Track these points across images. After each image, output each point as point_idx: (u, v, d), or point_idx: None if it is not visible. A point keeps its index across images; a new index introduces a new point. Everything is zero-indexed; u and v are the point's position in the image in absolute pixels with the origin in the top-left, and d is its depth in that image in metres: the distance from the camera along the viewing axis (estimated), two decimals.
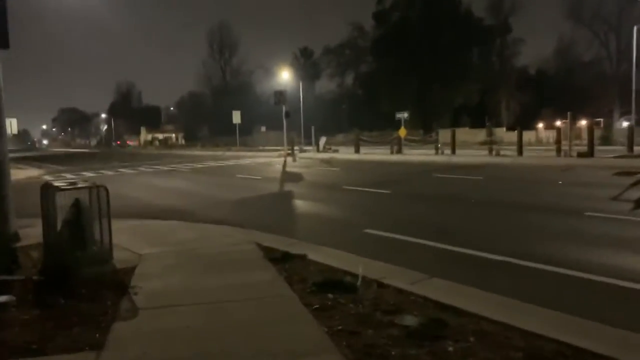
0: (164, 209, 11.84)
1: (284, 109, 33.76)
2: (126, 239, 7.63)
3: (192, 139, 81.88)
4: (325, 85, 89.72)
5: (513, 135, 34.38)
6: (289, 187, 15.59)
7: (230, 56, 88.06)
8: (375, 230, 8.17)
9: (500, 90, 60.92)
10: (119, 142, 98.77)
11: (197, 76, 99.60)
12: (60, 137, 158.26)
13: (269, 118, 72.26)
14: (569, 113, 21.52)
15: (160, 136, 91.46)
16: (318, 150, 31.68)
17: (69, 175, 23.91)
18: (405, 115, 26.25)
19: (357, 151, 28.67)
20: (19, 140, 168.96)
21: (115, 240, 6.48)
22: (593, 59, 62.12)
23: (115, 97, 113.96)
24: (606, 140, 30.95)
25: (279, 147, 40.62)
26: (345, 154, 29.32)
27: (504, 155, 22.41)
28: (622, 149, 22.49)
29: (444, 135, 41.49)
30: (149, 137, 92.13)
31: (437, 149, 25.62)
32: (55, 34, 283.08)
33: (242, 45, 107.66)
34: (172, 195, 14.78)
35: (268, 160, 29.39)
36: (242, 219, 9.82)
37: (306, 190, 14.70)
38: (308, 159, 29.51)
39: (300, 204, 12.00)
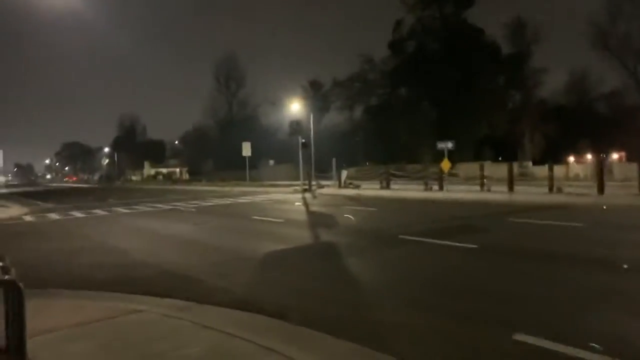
0: (159, 273, 8.20)
1: (300, 140, 30.56)
2: None
3: (196, 174, 78.74)
4: (334, 118, 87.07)
5: (543, 170, 30.85)
6: (325, 235, 11.94)
7: (237, 89, 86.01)
8: (530, 336, 4.53)
9: (524, 122, 57.78)
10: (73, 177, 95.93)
11: (203, 109, 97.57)
12: (64, 171, 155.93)
13: (276, 152, 69.21)
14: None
15: (164, 171, 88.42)
16: (340, 186, 28.12)
17: (53, 216, 20.35)
18: (450, 145, 22.78)
19: (387, 187, 25.08)
20: (22, 173, 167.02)
21: None
22: (617, 88, 59.42)
23: (119, 131, 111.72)
24: None
25: (292, 182, 37.13)
26: (371, 189, 25.75)
27: (574, 194, 18.71)
28: None
29: (469, 169, 38.05)
30: (153, 171, 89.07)
31: (482, 185, 22.00)
32: (60, 68, 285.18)
33: (249, 78, 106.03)
34: (172, 248, 11.14)
35: (283, 197, 25.81)
36: (280, 298, 6.23)
37: (351, 240, 11.05)
38: (330, 195, 25.93)
39: (357, 267, 8.34)
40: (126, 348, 4.55)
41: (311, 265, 8.57)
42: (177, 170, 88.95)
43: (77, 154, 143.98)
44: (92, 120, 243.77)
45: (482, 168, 23.02)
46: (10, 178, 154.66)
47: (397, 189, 24.09)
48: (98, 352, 4.49)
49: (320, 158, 32.78)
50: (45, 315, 5.49)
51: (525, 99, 60.54)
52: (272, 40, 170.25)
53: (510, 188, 20.57)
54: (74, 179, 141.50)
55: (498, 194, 20.22)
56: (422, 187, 24.23)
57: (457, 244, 9.60)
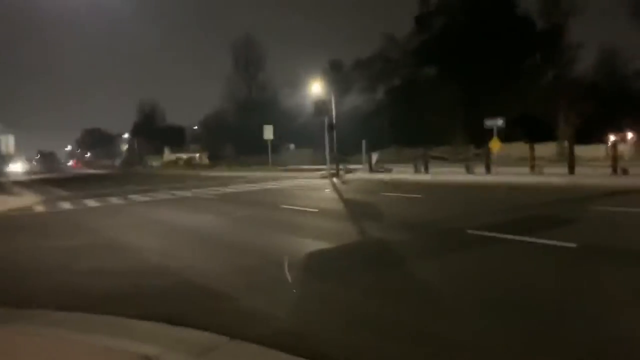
0: (176, 284, 6.42)
1: (326, 121, 28.57)
2: None
3: (216, 158, 77.48)
4: (355, 100, 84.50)
5: (584, 150, 28.40)
6: (372, 230, 10.03)
7: (255, 72, 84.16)
8: None
9: (558, 101, 54.63)
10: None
11: (222, 93, 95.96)
12: (85, 157, 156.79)
13: (297, 136, 67.31)
14: None
15: (184, 156, 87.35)
16: (371, 170, 26.09)
17: (65, 205, 18.86)
18: (500, 122, 20.52)
19: (425, 171, 22.97)
20: (45, 160, 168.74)
21: None
22: None
23: (138, 117, 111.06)
24: None
25: (316, 167, 35.25)
26: (405, 174, 23.68)
27: None
28: None
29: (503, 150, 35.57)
30: (173, 157, 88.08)
31: (533, 167, 19.77)
32: (80, 55, 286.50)
33: (268, 61, 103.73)
34: (192, 246, 9.36)
35: (311, 183, 23.94)
36: (343, 330, 4.37)
37: (407, 237, 9.12)
38: (361, 180, 23.97)
39: (432, 278, 6.44)
40: None
41: (368, 274, 6.65)
42: (197, 155, 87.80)
43: (97, 141, 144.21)
44: (113, 107, 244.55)
45: (532, 148, 20.74)
46: (34, 164, 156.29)
47: (437, 173, 21.99)
48: None
49: (343, 141, 30.72)
50: None
51: (559, 76, 57.26)
52: (291, 22, 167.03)
53: (571, 170, 18.29)
54: (79, 165, 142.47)
55: (554, 176, 17.99)
56: (462, 170, 22.08)
57: (548, 242, 7.61)
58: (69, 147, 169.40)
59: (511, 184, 17.41)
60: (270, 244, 9.05)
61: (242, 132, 76.12)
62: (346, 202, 15.26)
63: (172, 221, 12.87)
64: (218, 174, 41.23)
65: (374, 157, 26.62)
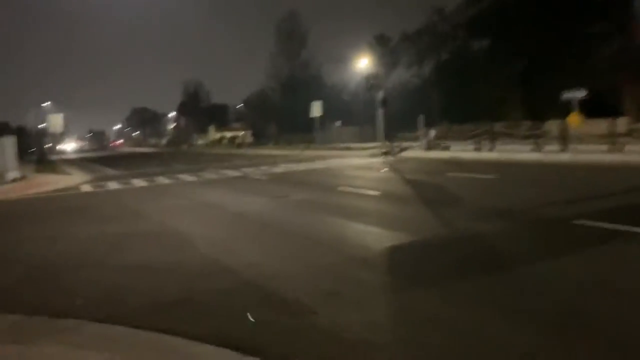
0: (236, 288, 5.25)
1: (380, 95, 27.02)
2: None
3: (259, 137, 77.01)
4: (401, 75, 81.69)
5: None
6: (453, 217, 8.60)
7: (299, 48, 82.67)
8: None
9: (623, 74, 50.48)
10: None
11: (265, 71, 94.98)
12: (133, 136, 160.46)
13: (342, 113, 65.59)
14: None
15: (228, 134, 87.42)
16: (429, 147, 24.38)
17: (113, 185, 18.29)
18: (582, 94, 18.41)
19: (491, 149, 21.07)
20: (95, 139, 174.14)
21: None
22: None
23: (183, 97, 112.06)
24: None
25: (364, 144, 33.75)
26: (465, 152, 21.87)
27: None
28: None
29: (555, 127, 32.71)
30: (217, 135, 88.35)
31: (614, 144, 17.55)
32: (128, 35, 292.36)
33: (311, 36, 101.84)
34: (250, 236, 8.24)
35: (363, 162, 22.53)
36: None
37: (500, 227, 7.65)
38: (418, 159, 22.38)
39: (566, 287, 5.03)
40: None
41: (474, 280, 5.25)
42: (241, 133, 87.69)
43: (145, 120, 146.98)
44: (160, 86, 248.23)
45: (613, 124, 18.49)
46: (85, 143, 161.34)
47: (502, 151, 20.10)
48: None
49: (391, 118, 29.05)
50: None
51: (625, 47, 52.82)
52: None
53: None
54: (118, 144, 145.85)
55: (636, 154, 15.85)
56: (527, 147, 20.09)
57: None
58: (118, 126, 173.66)
59: (596, 164, 15.43)
60: (339, 234, 7.80)
61: (285, 110, 75.20)
62: (410, 183, 13.81)
63: (224, 204, 11.83)
64: (264, 152, 40.40)
65: (431, 133, 24.86)
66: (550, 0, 46.63)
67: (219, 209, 11.17)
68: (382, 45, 77.75)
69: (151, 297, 5.18)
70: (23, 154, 46.69)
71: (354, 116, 65.79)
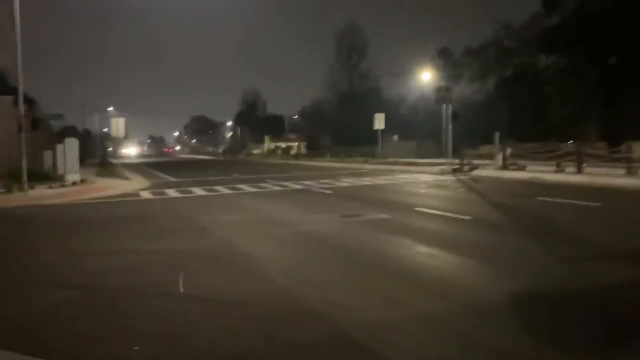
0: (325, 340, 3.94)
1: (449, 108, 25.43)
2: None
3: (314, 148, 76.38)
4: (463, 90, 78.79)
5: None
6: (576, 256, 7.04)
7: (358, 60, 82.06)
8: None
9: None
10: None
11: (322, 82, 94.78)
12: (191, 143, 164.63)
13: (399, 127, 63.78)
14: None
15: (283, 145, 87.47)
16: (504, 166, 22.45)
17: (172, 193, 17.68)
18: None
19: (578, 171, 18.97)
20: (155, 145, 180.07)
21: None
22: None
23: (241, 106, 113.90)
24: None
25: (427, 160, 32.01)
26: (544, 172, 19.81)
27: None
28: None
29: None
30: (272, 145, 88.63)
31: None
32: (189, 44, 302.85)
33: (371, 49, 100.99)
34: (330, 264, 6.99)
35: (433, 179, 20.92)
36: None
37: None
38: (493, 179, 20.56)
39: None
40: None
41: None
42: (295, 144, 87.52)
43: (203, 127, 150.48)
44: (218, 95, 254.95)
45: None
46: (145, 149, 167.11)
47: (592, 174, 17.99)
48: None
49: (455, 133, 27.21)
50: None
51: None
52: (397, 9, 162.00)
53: None
54: (170, 150, 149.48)
55: None
56: (617, 171, 17.91)
57: None
58: (177, 133, 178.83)
59: None
60: (439, 271, 6.43)
61: (341, 122, 74.29)
62: (500, 207, 12.19)
63: (292, 222, 10.69)
64: (322, 164, 39.39)
65: (508, 151, 22.91)
66: (634, 12, 43.27)
67: (289, 227, 10.02)
68: (444, 59, 75.66)
69: (226, 348, 4.02)
70: (87, 156, 48.14)
71: (412, 130, 63.96)
